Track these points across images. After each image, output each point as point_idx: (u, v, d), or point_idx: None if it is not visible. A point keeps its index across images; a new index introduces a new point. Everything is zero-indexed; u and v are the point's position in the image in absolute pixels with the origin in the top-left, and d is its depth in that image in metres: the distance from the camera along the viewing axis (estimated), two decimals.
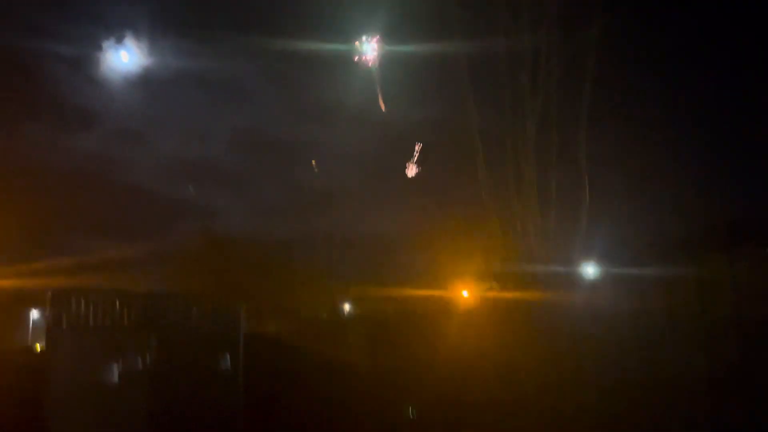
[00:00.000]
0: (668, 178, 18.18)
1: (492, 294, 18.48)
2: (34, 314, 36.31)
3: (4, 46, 20.40)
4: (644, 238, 17.25)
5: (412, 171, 24.00)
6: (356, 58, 22.16)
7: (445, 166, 21.77)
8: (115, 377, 14.68)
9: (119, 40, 22.71)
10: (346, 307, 29.78)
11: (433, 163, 22.75)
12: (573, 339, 14.24)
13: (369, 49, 21.78)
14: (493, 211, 19.13)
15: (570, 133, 18.02)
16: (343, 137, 25.43)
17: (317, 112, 26.08)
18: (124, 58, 22.65)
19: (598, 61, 17.55)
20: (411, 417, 15.08)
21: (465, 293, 20.89)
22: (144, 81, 23.95)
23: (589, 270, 18.35)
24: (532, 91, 17.71)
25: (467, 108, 19.21)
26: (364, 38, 21.93)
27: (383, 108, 23.43)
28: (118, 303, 15.84)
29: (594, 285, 16.94)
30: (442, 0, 18.89)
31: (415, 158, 23.55)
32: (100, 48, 21.99)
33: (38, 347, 23.98)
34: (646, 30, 17.84)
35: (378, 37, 21.51)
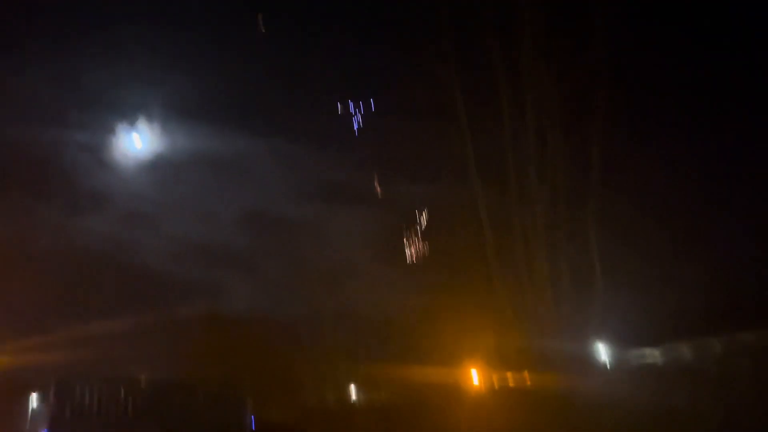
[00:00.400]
0: (682, 256, 18.05)
1: (504, 380, 18.02)
2: (34, 400, 35.44)
3: (19, 132, 20.89)
4: (662, 316, 16.95)
5: (416, 248, 24.02)
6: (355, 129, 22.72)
7: (453, 245, 21.72)
8: None
9: (132, 124, 23.31)
10: (353, 389, 29.06)
11: (440, 242, 22.73)
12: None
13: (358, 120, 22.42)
14: (503, 291, 18.90)
15: (580, 212, 18.04)
16: (348, 215, 25.65)
17: (323, 191, 26.48)
18: (136, 142, 23.19)
19: (605, 141, 17.80)
20: None
21: (475, 375, 20.40)
22: (154, 164, 24.47)
23: (603, 352, 17.96)
24: (540, 172, 17.87)
25: (474, 188, 19.35)
26: (357, 111, 22.59)
27: (379, 192, 23.85)
28: (122, 391, 15.56)
29: (609, 370, 16.50)
30: (448, 81, 19.30)
31: (416, 240, 23.64)
32: (113, 132, 22.55)
33: None
34: (654, 109, 18.26)
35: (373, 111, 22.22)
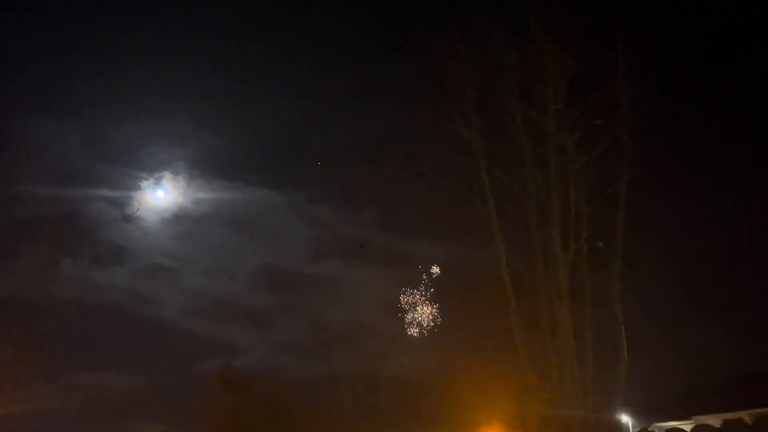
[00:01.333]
0: (710, 325, 17.82)
1: None
2: None
3: (46, 188, 21.27)
4: (689, 387, 16.62)
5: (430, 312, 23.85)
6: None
7: (474, 307, 21.51)
8: None
9: (156, 180, 23.69)
10: None
11: (460, 304, 22.53)
12: None
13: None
14: (525, 355, 18.59)
15: (604, 278, 17.89)
16: (366, 273, 25.61)
17: (341, 249, 26.55)
18: (159, 194, 23.54)
19: (630, 207, 17.81)
20: None
21: None
22: (176, 218, 24.77)
23: (628, 422, 17.50)
24: (564, 236, 17.82)
25: (497, 250, 19.25)
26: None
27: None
28: None
29: None
30: (472, 143, 19.42)
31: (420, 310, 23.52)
32: (137, 188, 22.91)
33: None
34: (682, 174, 18.37)
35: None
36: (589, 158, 17.75)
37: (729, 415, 14.76)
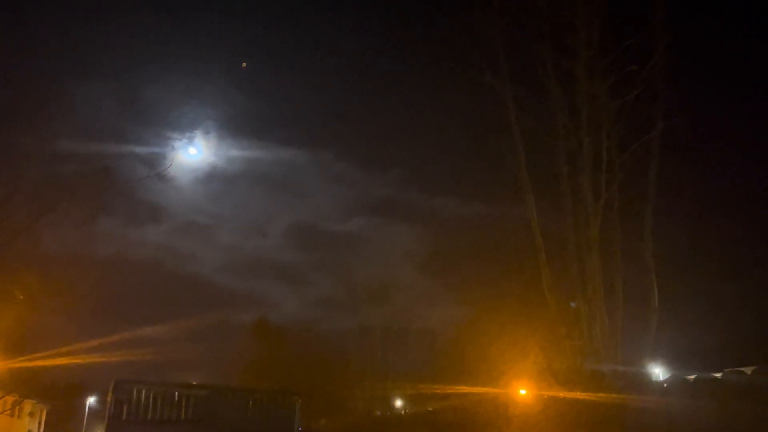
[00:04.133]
0: (743, 277, 17.44)
1: (554, 396, 17.60)
2: (91, 401, 36.64)
3: (83, 145, 21.79)
4: (721, 341, 16.38)
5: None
6: None
7: (504, 261, 21.45)
8: None
9: (189, 139, 24.05)
10: (399, 403, 28.90)
11: (490, 258, 22.48)
12: None
13: None
14: (555, 307, 18.51)
15: (636, 229, 17.61)
16: (394, 231, 25.74)
17: (371, 206, 26.69)
18: (192, 152, 23.91)
19: (663, 157, 17.37)
20: None
21: (524, 392, 20.01)
22: (209, 178, 25.19)
23: (659, 372, 17.40)
24: (595, 187, 17.52)
25: (527, 202, 19.03)
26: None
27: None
28: (177, 396, 15.92)
29: (667, 389, 15.90)
30: (502, 93, 19.04)
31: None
32: (170, 146, 23.27)
33: None
34: (714, 124, 17.77)
35: None
36: (622, 104, 17.27)
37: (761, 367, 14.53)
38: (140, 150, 23.03)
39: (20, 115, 19.43)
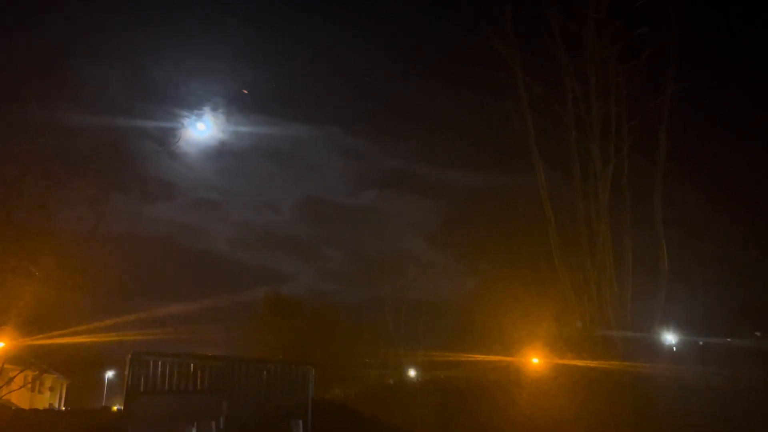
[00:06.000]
0: (754, 242, 17.33)
1: (565, 361, 17.70)
2: (110, 375, 37.47)
3: (93, 120, 21.89)
4: (732, 303, 16.34)
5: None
6: None
7: (514, 231, 21.43)
8: None
9: (198, 115, 24.09)
10: (412, 372, 29.24)
11: (500, 227, 22.48)
12: (660, 415, 13.32)
13: None
14: (565, 276, 18.51)
15: (646, 197, 17.47)
16: (404, 204, 25.76)
17: (380, 180, 26.68)
18: (201, 128, 24.00)
19: (673, 124, 17.14)
20: None
21: (535, 360, 20.15)
22: (219, 153, 25.26)
23: (670, 338, 17.42)
24: (604, 154, 17.36)
25: (536, 171, 18.90)
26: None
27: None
28: (192, 367, 16.26)
29: (678, 354, 15.98)
30: (510, 59, 18.79)
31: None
32: (180, 123, 23.34)
33: (114, 408, 24.63)
34: (721, 93, 17.48)
35: None
36: (632, 68, 17.02)
37: None
38: (150, 126, 23.06)
39: (32, 92, 19.52)
